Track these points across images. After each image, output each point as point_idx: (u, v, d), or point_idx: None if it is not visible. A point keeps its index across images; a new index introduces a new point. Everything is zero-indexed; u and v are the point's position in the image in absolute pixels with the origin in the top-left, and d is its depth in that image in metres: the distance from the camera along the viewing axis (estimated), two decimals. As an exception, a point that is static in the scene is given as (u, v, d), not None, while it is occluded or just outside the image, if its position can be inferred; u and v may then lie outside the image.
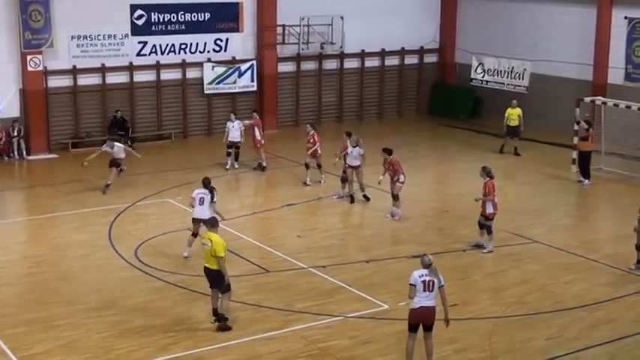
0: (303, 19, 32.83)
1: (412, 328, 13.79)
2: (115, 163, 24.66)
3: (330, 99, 35.13)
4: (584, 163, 25.55)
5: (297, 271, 18.25)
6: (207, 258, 15.36)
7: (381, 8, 34.93)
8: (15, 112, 29.21)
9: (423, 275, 13.62)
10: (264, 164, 26.93)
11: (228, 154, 27.30)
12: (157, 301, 16.76)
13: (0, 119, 28.79)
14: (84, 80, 30.13)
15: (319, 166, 25.23)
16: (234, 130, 26.93)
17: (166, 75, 31.56)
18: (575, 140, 26.14)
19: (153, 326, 15.56)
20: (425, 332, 13.81)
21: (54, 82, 29.66)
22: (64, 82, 29.91)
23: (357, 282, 17.71)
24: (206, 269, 15.47)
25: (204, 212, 18.25)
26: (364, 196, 23.28)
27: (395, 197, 21.70)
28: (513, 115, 29.03)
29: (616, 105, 26.63)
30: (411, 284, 13.62)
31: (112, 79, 30.65)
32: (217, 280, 15.35)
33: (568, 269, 18.71)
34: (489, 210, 19.47)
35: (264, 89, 32.93)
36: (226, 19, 32.45)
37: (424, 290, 13.58)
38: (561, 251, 19.75)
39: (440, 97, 36.75)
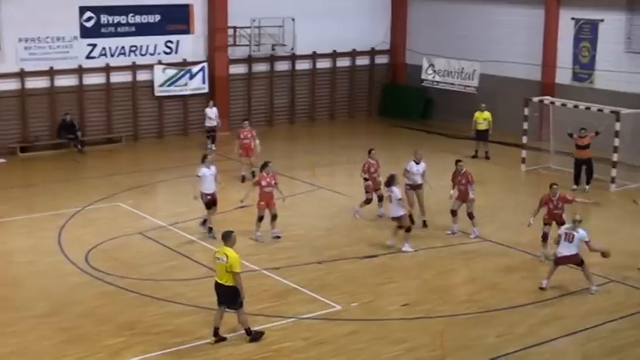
0: (254, 20, 32.77)
1: None
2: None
3: (281, 101, 35.12)
4: (589, 170, 25.17)
5: (250, 273, 18.18)
6: (220, 273, 14.68)
7: (332, 10, 35.01)
8: (-38, 116, 28.86)
9: None
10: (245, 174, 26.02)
11: (208, 137, 29.82)
12: (107, 306, 16.61)
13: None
14: (32, 83, 29.78)
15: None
16: (211, 116, 29.80)
17: (116, 77, 31.30)
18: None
19: (104, 331, 15.41)
20: None
21: (1, 86, 29.27)
22: (12, 85, 29.52)
23: (310, 283, 17.73)
24: (218, 285, 14.78)
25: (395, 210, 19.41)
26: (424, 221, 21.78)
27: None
28: (481, 118, 29.13)
29: (564, 104, 26.98)
30: None
31: (61, 82, 30.33)
32: (230, 296, 14.67)
33: (517, 267, 18.93)
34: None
35: (216, 91, 32.81)
36: (177, 20, 32.30)
37: None
38: (511, 249, 19.96)
39: (391, 98, 36.93)
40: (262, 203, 20.53)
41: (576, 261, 17.37)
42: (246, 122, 26.49)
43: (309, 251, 19.87)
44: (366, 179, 21.61)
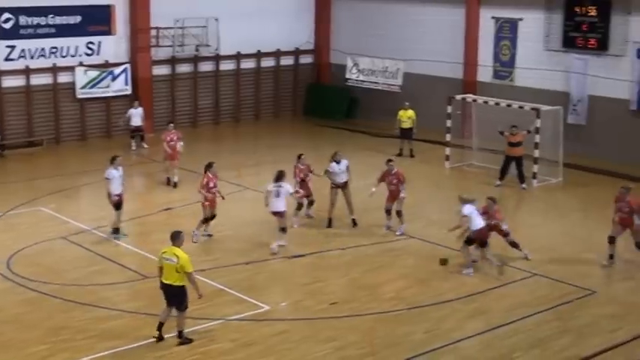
0: (177, 21, 32.50)
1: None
2: None
3: (206, 101, 34.92)
4: (519, 169, 25.34)
5: (177, 275, 18.03)
6: (169, 274, 14.56)
7: (256, 10, 34.94)
8: None
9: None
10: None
11: (132, 137, 30.02)
12: (31, 313, 16.28)
13: None
14: (-52, 87, 29.11)
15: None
16: (136, 116, 29.95)
17: (37, 80, 30.71)
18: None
19: (28, 339, 15.10)
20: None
21: None
22: None
23: (237, 284, 17.66)
24: (166, 286, 14.68)
25: (279, 205, 19.28)
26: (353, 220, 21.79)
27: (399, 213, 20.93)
28: (405, 117, 29.32)
29: (485, 102, 27.41)
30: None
31: (-21, 85, 29.71)
32: (178, 297, 14.63)
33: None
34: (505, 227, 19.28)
35: (139, 93, 32.40)
36: (98, 21, 31.83)
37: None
38: (437, 246, 20.17)
39: (315, 98, 37.03)
40: (207, 203, 20.52)
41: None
42: (172, 125, 26.23)
43: (237, 252, 19.79)
44: (297, 191, 21.28)
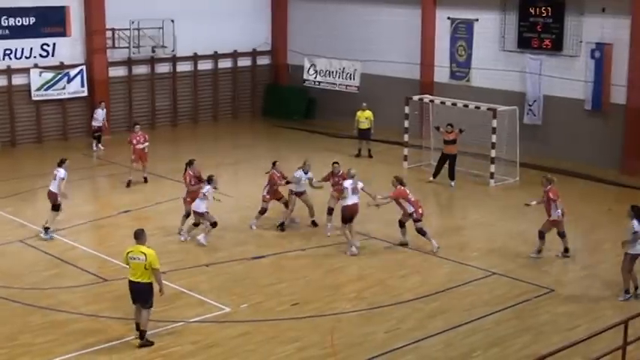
0: (133, 22, 32.29)
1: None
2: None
3: (163, 103, 34.75)
4: (451, 166, 25.70)
5: (136, 278, 17.92)
6: (137, 272, 14.60)
7: (212, 11, 34.85)
8: None
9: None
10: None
11: (94, 138, 30.10)
12: (-12, 317, 16.12)
13: None
14: None
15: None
16: (100, 117, 30.22)
17: (-9, 82, 30.38)
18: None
19: (-15, 343, 14.96)
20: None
21: None
22: None
23: (197, 286, 17.61)
24: (134, 284, 14.70)
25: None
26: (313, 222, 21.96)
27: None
28: (362, 117, 29.40)
29: (442, 102, 27.60)
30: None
31: None
32: (145, 294, 14.69)
33: (403, 263, 19.28)
34: (412, 214, 19.79)
35: (96, 94, 32.13)
36: (53, 23, 31.53)
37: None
38: (396, 246, 20.28)
39: (274, 99, 37.02)
40: (189, 200, 20.85)
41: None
42: (138, 126, 25.98)
43: (196, 254, 19.73)
44: (265, 196, 21.44)
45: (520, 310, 16.63)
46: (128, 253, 14.84)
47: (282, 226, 21.34)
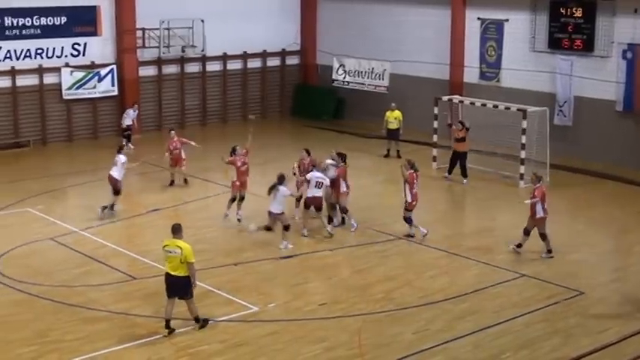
0: (163, 22, 32.45)
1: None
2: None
3: (193, 102, 34.88)
4: (462, 164, 26.00)
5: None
6: (174, 266, 14.92)
7: (242, 11, 34.92)
8: None
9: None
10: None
11: (124, 137, 29.92)
12: (18, 314, 16.22)
13: None
14: None
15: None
16: (131, 117, 30.38)
17: (22, 81, 30.61)
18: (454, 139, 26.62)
19: (15, 340, 15.05)
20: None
21: None
22: None
23: (225, 285, 17.65)
24: (172, 277, 14.99)
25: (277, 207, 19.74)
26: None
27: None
28: (391, 118, 29.34)
29: (472, 103, 27.48)
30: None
31: (-35, 85, 29.61)
32: (184, 287, 15.00)
33: (432, 264, 19.20)
34: (408, 200, 20.39)
35: (126, 94, 32.35)
36: (84, 22, 31.74)
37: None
38: (424, 246, 20.22)
39: (303, 99, 37.04)
40: (238, 184, 21.66)
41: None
42: (173, 132, 25.83)
43: (225, 253, 19.78)
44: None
45: (550, 312, 16.51)
46: (164, 246, 15.12)
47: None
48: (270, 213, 20.06)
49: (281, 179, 19.96)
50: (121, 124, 30.99)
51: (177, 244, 14.96)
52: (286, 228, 19.96)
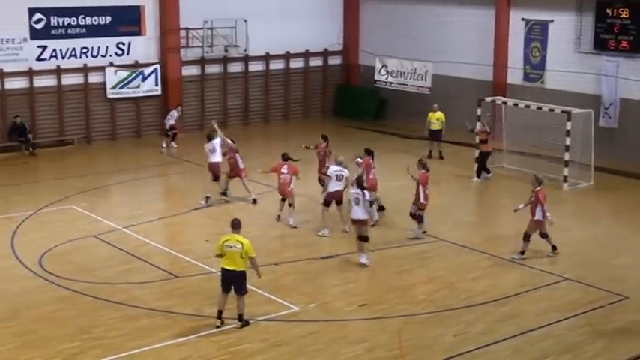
0: (206, 22, 32.62)
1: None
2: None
3: (235, 102, 35.02)
4: (481, 163, 26.35)
5: (207, 275, 18.10)
6: (233, 260, 15.22)
7: (284, 11, 35.01)
8: None
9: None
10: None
11: (167, 136, 30.51)
12: (62, 311, 16.40)
13: None
14: (-19, 86, 29.39)
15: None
16: (174, 117, 30.63)
17: (68, 80, 30.95)
18: (477, 140, 26.68)
19: (58, 336, 15.22)
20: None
21: (-50, 88, 28.86)
22: (-39, 88, 29.12)
23: (266, 285, 17.63)
24: (229, 272, 15.29)
25: (359, 213, 18.72)
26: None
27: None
28: (434, 118, 29.24)
29: (515, 104, 27.27)
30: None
31: (11, 84, 29.96)
32: (240, 281, 15.31)
33: (473, 266, 19.07)
34: (421, 201, 20.28)
35: (169, 93, 32.60)
36: (128, 22, 32.04)
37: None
38: (466, 248, 20.10)
39: (345, 99, 37.02)
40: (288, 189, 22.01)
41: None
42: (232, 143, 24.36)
43: (266, 252, 19.75)
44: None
45: (593, 316, 16.31)
46: (224, 241, 15.34)
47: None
48: (356, 221, 18.95)
49: (361, 182, 19.33)
50: (164, 123, 31.19)
51: (237, 238, 15.26)
52: (365, 239, 18.87)
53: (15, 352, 14.63)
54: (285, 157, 22.08)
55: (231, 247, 15.25)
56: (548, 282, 18.03)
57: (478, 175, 26.37)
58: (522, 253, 19.30)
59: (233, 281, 15.35)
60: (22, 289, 17.50)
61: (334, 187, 20.85)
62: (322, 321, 15.97)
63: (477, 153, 26.54)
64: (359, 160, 21.65)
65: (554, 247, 19.48)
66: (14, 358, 14.40)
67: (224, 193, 23.57)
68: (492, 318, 16.18)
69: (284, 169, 21.75)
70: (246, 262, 15.29)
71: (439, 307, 16.69)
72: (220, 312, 15.49)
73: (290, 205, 21.65)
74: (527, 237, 19.27)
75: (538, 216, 19.14)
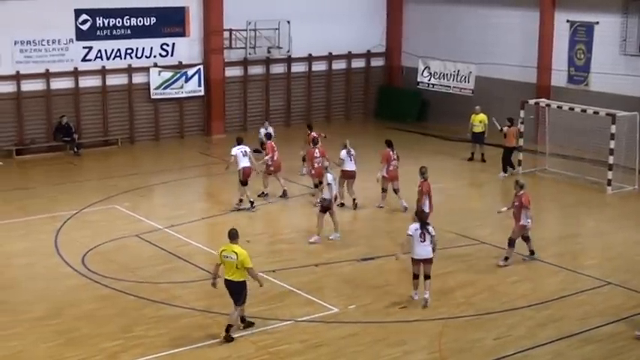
0: (249, 23, 32.76)
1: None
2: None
3: (277, 103, 35.11)
4: (504, 158, 26.97)
5: (247, 275, 18.17)
6: (230, 271, 15.06)
7: (327, 12, 35.04)
8: (-42, 118, 28.81)
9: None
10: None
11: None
12: (104, 309, 16.59)
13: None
14: (28, 86, 29.74)
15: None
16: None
17: (112, 80, 31.27)
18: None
19: (100, 334, 15.40)
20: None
21: (-3, 88, 29.28)
22: (8, 88, 29.49)
23: (306, 286, 17.72)
24: (228, 282, 15.16)
25: (423, 251, 16.73)
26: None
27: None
28: (476, 121, 29.11)
29: (559, 107, 27.02)
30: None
31: (57, 84, 30.32)
32: (237, 292, 15.12)
33: (514, 269, 18.92)
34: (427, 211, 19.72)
35: (212, 94, 32.80)
36: (172, 23, 32.28)
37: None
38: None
39: (387, 101, 36.96)
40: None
41: None
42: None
43: (306, 254, 19.86)
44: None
45: (636, 322, 16.08)
46: (222, 251, 15.23)
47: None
48: (420, 261, 16.91)
49: (423, 216, 17.31)
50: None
51: (233, 249, 15.02)
52: (428, 277, 16.92)
53: (58, 349, 14.83)
54: (389, 144, 23.46)
55: (227, 257, 15.07)
56: (590, 286, 17.85)
57: (504, 170, 26.90)
58: (506, 259, 19.08)
59: (231, 291, 15.18)
60: (65, 288, 17.73)
61: (350, 166, 22.88)
62: (362, 323, 15.97)
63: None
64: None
65: (532, 252, 19.38)
66: (57, 356, 14.60)
67: (264, 194, 23.59)
68: (533, 322, 16.06)
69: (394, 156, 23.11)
70: (243, 272, 15.01)
71: (479, 310, 16.60)
72: (230, 327, 15.21)
73: (394, 191, 22.84)
74: (511, 242, 19.08)
75: (523, 221, 18.94)
